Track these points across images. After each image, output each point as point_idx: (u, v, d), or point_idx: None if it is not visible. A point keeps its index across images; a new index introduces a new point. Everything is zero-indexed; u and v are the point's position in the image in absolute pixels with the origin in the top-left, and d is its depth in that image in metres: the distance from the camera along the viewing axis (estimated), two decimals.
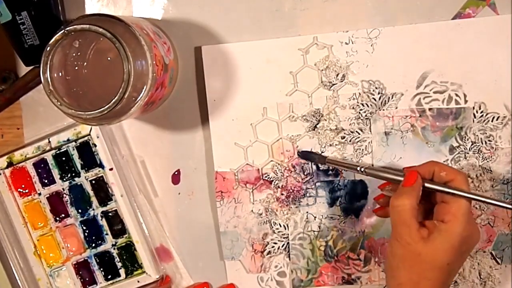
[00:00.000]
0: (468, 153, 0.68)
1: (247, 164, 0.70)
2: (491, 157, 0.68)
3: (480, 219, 0.68)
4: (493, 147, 0.67)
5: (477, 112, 0.67)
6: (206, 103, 0.70)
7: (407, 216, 0.57)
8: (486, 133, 0.67)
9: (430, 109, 0.67)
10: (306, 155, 0.69)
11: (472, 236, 0.58)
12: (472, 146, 0.68)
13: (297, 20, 0.68)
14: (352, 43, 0.68)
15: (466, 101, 0.67)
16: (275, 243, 0.71)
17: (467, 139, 0.68)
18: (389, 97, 0.68)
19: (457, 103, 0.67)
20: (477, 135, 0.67)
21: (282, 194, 0.70)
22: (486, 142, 0.67)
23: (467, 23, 0.66)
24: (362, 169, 0.64)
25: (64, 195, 0.71)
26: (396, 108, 0.68)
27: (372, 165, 0.68)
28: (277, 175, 0.70)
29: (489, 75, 0.66)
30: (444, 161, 0.68)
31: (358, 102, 0.68)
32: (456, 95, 0.67)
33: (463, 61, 0.67)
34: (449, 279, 0.58)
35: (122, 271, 0.71)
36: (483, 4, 0.66)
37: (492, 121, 0.67)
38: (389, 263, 0.59)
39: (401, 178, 0.61)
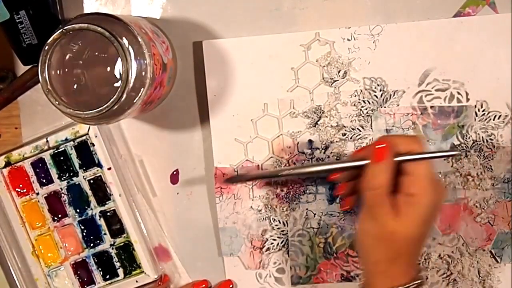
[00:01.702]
0: (469, 152, 0.68)
1: (247, 160, 0.70)
2: (492, 155, 0.68)
3: (480, 218, 0.69)
4: (494, 146, 0.67)
5: (478, 110, 0.67)
6: (205, 102, 0.70)
7: (383, 197, 0.56)
8: (487, 132, 0.67)
9: (431, 107, 0.67)
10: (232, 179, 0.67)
11: (439, 201, 0.57)
12: (473, 144, 0.68)
13: (296, 19, 0.68)
14: (354, 39, 0.67)
15: (468, 99, 0.67)
16: (274, 239, 0.71)
17: (469, 138, 0.67)
18: (390, 95, 0.68)
19: (459, 101, 0.67)
20: (478, 134, 0.67)
21: (282, 191, 0.70)
22: (487, 141, 0.67)
23: (470, 21, 0.66)
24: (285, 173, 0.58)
25: (62, 194, 0.71)
26: (398, 105, 0.68)
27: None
28: None
29: (491, 74, 0.66)
30: (444, 160, 0.68)
31: (359, 99, 0.68)
32: (458, 93, 0.67)
33: (466, 59, 0.66)
34: (422, 248, 0.61)
35: (120, 271, 0.71)
36: (482, 3, 0.66)
37: (493, 119, 0.67)
38: (363, 241, 0.58)
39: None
